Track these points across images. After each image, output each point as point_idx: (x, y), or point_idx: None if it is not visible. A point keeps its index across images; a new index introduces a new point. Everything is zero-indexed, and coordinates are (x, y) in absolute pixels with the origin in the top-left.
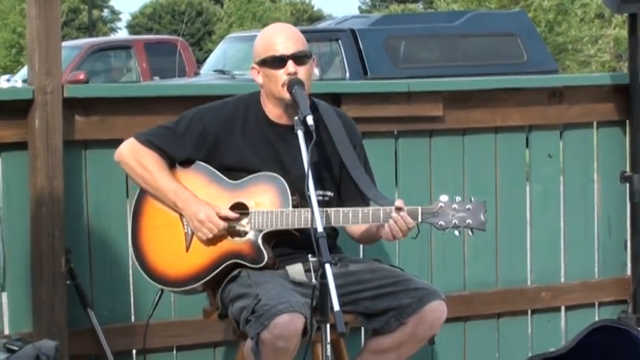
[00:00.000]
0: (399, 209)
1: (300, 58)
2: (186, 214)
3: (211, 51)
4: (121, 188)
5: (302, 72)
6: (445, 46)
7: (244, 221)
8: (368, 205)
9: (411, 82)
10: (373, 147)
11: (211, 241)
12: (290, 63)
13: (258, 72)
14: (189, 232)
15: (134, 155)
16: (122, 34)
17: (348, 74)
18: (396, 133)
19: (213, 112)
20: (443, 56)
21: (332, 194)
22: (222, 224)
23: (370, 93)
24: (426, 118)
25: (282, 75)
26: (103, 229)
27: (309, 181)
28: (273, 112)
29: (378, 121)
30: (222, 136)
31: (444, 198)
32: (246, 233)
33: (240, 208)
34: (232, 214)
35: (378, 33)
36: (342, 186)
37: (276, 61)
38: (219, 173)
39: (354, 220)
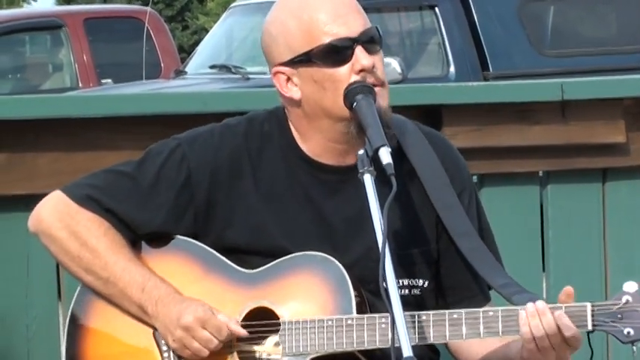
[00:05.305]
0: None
1: (372, 43)
2: (161, 322)
3: (204, 31)
4: (49, 283)
5: (379, 68)
6: (630, 14)
7: (271, 341)
8: (490, 294)
9: (567, 82)
10: (502, 199)
11: None
12: (360, 52)
13: (288, 79)
14: None
15: (65, 221)
16: (45, 3)
17: (452, 69)
18: (541, 174)
19: (205, 146)
20: (626, 33)
21: (425, 284)
22: (226, 332)
23: (494, 104)
24: (595, 147)
25: (347, 75)
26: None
27: (387, 264)
28: (315, 142)
29: (510, 153)
30: (223, 191)
31: (631, 286)
32: None
33: (264, 318)
34: (242, 331)
35: None
36: (443, 268)
37: (335, 52)
38: (220, 256)
39: (470, 330)
